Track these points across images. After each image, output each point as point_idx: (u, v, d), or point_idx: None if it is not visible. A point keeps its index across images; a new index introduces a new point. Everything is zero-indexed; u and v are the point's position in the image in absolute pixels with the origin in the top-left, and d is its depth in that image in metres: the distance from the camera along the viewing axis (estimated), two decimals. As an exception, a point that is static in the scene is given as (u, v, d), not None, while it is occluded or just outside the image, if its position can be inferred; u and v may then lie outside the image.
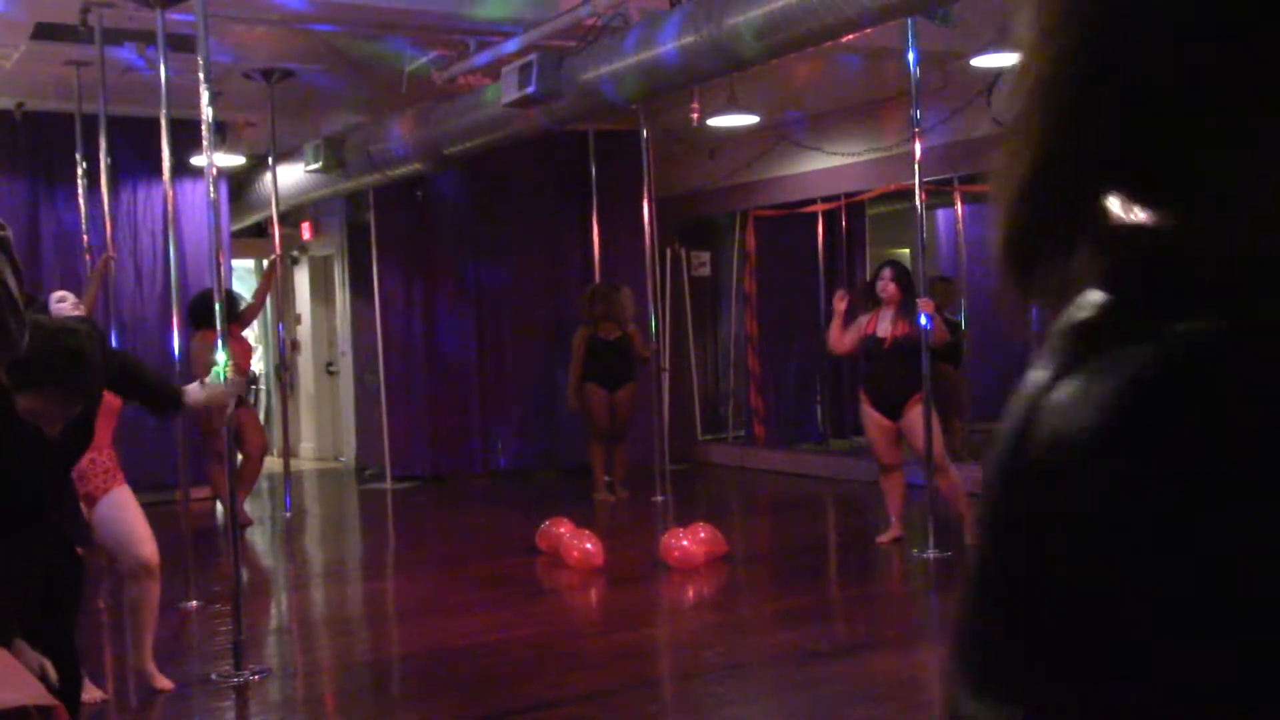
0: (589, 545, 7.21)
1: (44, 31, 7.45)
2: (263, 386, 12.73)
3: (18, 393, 3.25)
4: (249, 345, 9.26)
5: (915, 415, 7.15)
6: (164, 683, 5.06)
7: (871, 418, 7.40)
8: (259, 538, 8.76)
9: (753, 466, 11.23)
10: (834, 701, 4.77)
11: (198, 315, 8.32)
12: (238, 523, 8.95)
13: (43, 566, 3.49)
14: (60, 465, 3.62)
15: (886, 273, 7.35)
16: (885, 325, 7.26)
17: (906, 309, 7.21)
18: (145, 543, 4.88)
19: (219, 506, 9.08)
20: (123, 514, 4.87)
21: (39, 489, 3.54)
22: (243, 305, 9.13)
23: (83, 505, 4.62)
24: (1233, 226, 0.53)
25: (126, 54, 7.54)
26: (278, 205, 9.93)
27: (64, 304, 5.05)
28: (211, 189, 5.48)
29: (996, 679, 0.57)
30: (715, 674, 5.21)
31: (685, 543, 7.13)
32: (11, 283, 2.94)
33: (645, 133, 9.45)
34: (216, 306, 5.58)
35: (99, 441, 4.47)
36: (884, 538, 7.46)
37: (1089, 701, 0.53)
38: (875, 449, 7.50)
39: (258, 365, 9.34)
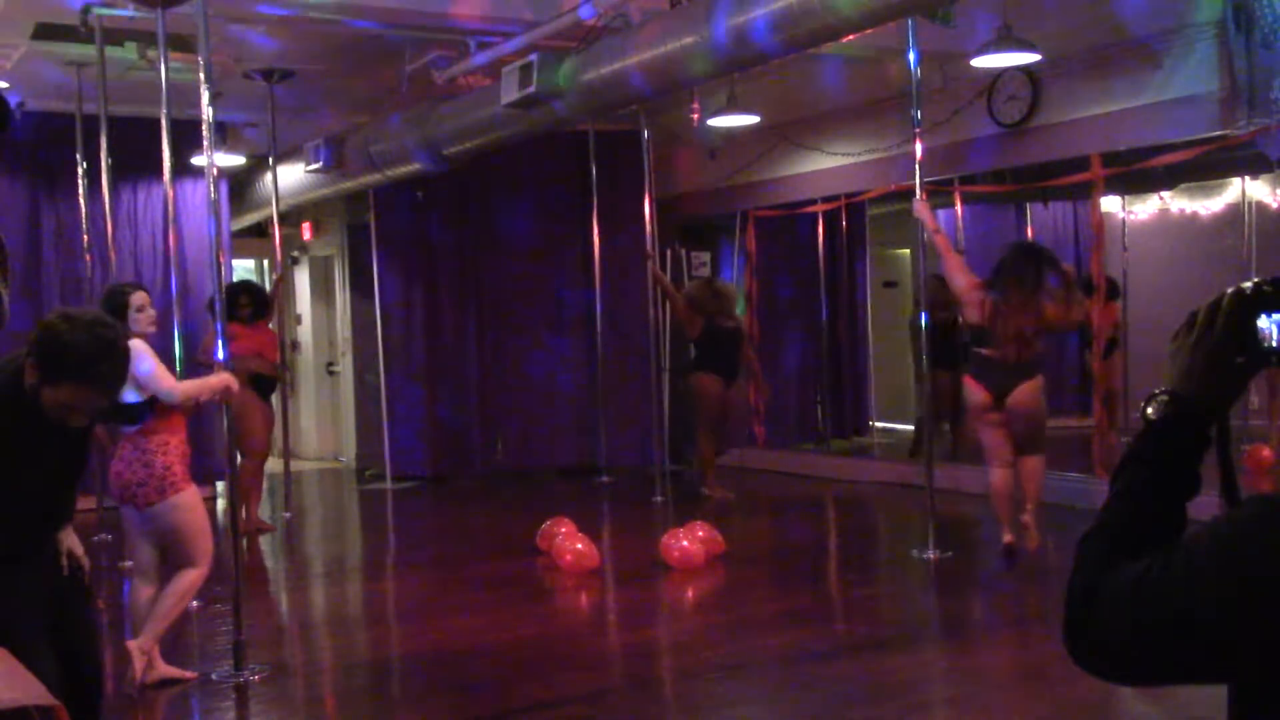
0: (579, 546, 7.17)
1: (44, 31, 7.45)
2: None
3: (51, 385, 3.21)
4: (274, 335, 9.18)
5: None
6: (152, 675, 5.08)
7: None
8: (260, 537, 8.75)
9: (753, 466, 11.22)
10: (834, 701, 4.77)
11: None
12: (252, 529, 8.95)
13: (52, 582, 3.51)
14: (76, 474, 3.60)
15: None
16: None
17: None
18: None
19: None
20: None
21: (65, 501, 3.54)
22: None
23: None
24: None
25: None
26: (278, 205, 9.93)
27: (142, 314, 5.11)
28: (212, 189, 5.48)
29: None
30: (715, 674, 5.21)
31: (685, 543, 7.13)
32: None
33: (645, 133, 9.45)
34: (216, 302, 5.59)
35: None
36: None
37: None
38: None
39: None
